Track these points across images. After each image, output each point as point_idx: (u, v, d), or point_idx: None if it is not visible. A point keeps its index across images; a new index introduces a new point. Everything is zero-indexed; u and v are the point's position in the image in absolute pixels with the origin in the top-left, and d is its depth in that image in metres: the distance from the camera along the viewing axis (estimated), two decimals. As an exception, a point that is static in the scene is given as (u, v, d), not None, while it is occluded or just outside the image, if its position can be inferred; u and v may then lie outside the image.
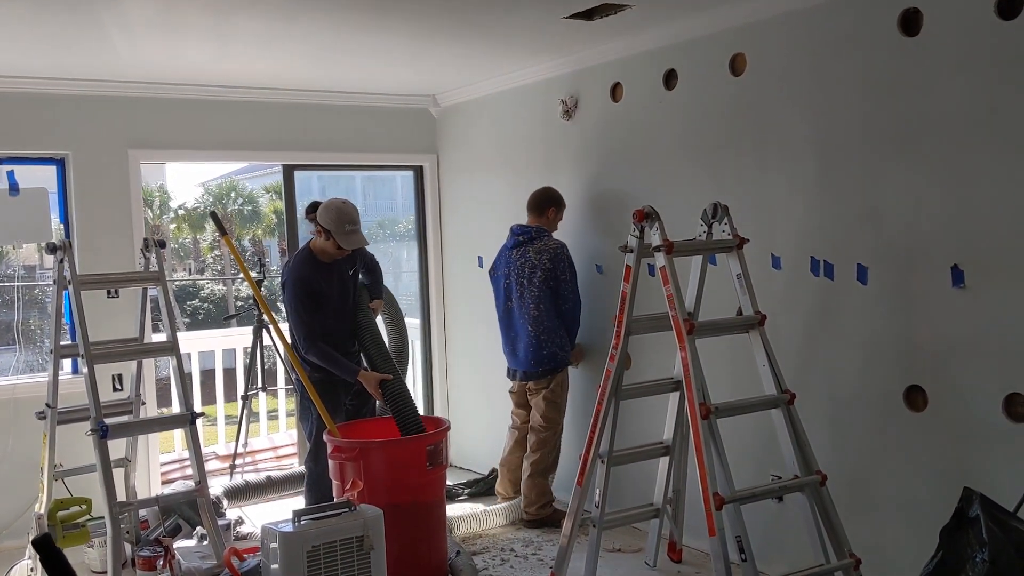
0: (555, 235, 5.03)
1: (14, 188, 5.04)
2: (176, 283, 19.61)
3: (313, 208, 4.44)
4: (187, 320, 19.02)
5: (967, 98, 3.32)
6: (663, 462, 4.25)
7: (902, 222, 3.56)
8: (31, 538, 4.22)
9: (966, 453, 3.39)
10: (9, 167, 5.10)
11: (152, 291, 4.55)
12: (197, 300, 20.66)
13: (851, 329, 3.77)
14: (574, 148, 5.20)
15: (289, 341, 4.55)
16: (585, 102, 5.09)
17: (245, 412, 6.05)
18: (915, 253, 3.52)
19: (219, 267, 23.02)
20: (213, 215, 4.79)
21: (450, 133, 6.31)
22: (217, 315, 19.27)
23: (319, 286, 4.41)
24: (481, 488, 5.64)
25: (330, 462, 4.18)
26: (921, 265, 3.50)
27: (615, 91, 4.90)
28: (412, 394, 4.49)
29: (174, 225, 22.59)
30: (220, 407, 7.31)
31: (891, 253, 3.61)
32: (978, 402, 3.35)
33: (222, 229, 4.60)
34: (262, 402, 7.25)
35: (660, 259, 3.55)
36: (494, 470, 5.54)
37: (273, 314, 4.92)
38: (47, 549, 1.28)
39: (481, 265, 5.91)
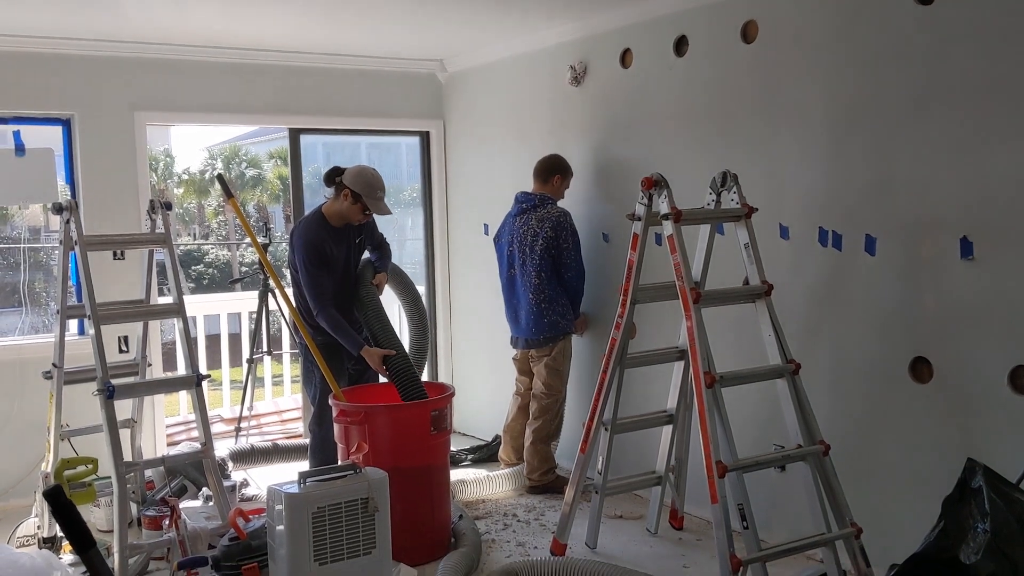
0: (561, 203, 5.01)
1: (20, 148, 5.03)
2: (181, 248, 19.62)
3: (337, 172, 4.45)
4: (192, 285, 19.05)
5: (980, 67, 3.29)
6: (666, 430, 4.27)
7: (912, 193, 3.54)
8: (39, 492, 4.26)
9: (970, 425, 3.40)
10: (15, 127, 5.08)
11: (159, 255, 4.55)
12: (202, 265, 20.68)
13: (858, 300, 3.77)
14: (582, 115, 5.16)
15: (294, 304, 4.56)
16: (594, 68, 5.05)
17: (250, 376, 6.08)
18: (924, 224, 3.51)
19: (223, 232, 23.00)
20: (220, 178, 4.78)
21: (457, 99, 6.27)
22: (222, 280, 19.28)
23: (328, 250, 4.42)
24: (484, 454, 5.67)
25: (335, 426, 4.20)
26: (930, 236, 3.49)
27: (625, 57, 4.85)
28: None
29: (180, 190, 22.55)
30: (225, 372, 7.33)
31: (900, 224, 3.59)
32: (984, 374, 3.35)
33: (228, 192, 4.59)
34: (267, 367, 7.27)
35: (668, 227, 3.54)
36: (497, 436, 5.56)
37: (279, 279, 4.92)
38: (58, 501, 1.28)
39: (487, 232, 5.90)
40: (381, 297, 4.62)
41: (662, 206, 3.58)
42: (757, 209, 3.69)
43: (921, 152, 3.50)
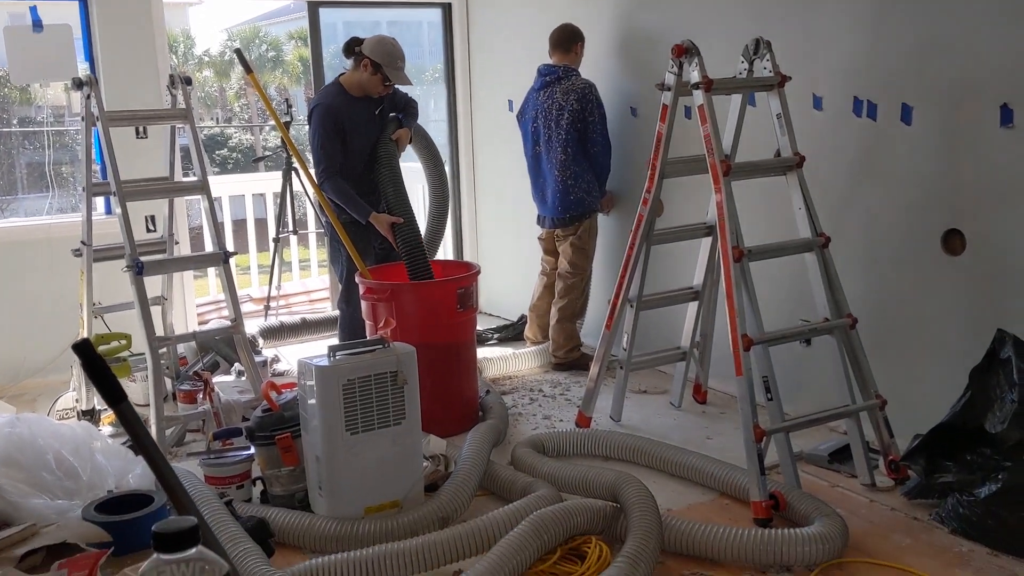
0: (585, 75, 4.87)
1: (37, 24, 4.95)
2: (204, 131, 19.51)
3: (356, 43, 4.34)
4: (216, 169, 19.03)
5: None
6: (691, 307, 4.27)
7: (951, 58, 3.40)
8: (76, 366, 4.36)
9: (1001, 297, 3.36)
10: (32, 2, 4.98)
11: (182, 140, 4.51)
12: (225, 150, 20.59)
13: (892, 171, 3.68)
14: (610, -17, 4.97)
15: (317, 181, 4.53)
16: (623, -67, 4.83)
17: (277, 255, 6.12)
18: (963, 92, 3.38)
19: (246, 116, 22.80)
20: (238, 52, 4.67)
21: (480, -31, 6.05)
22: (245, 164, 19.24)
23: (346, 119, 4.35)
24: (510, 333, 5.73)
25: (363, 303, 4.23)
26: (969, 105, 3.37)
27: (655, -80, 4.64)
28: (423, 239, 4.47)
29: (200, 72, 22.25)
30: (252, 256, 7.39)
31: (938, 92, 3.47)
32: (1017, 245, 3.29)
33: (247, 67, 4.50)
34: (294, 250, 7.32)
35: (698, 97, 3.44)
36: (523, 316, 5.59)
37: (302, 157, 4.88)
38: (87, 354, 1.29)
39: (511, 109, 5.79)
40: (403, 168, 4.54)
41: (693, 75, 3.47)
42: (790, 78, 3.57)
43: (961, 15, 3.34)
